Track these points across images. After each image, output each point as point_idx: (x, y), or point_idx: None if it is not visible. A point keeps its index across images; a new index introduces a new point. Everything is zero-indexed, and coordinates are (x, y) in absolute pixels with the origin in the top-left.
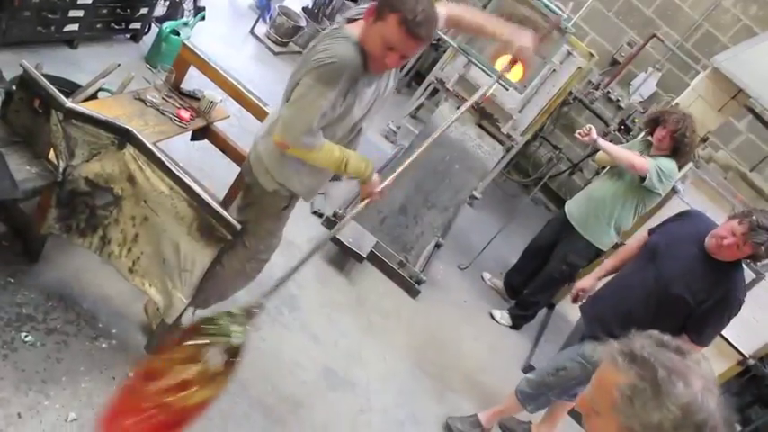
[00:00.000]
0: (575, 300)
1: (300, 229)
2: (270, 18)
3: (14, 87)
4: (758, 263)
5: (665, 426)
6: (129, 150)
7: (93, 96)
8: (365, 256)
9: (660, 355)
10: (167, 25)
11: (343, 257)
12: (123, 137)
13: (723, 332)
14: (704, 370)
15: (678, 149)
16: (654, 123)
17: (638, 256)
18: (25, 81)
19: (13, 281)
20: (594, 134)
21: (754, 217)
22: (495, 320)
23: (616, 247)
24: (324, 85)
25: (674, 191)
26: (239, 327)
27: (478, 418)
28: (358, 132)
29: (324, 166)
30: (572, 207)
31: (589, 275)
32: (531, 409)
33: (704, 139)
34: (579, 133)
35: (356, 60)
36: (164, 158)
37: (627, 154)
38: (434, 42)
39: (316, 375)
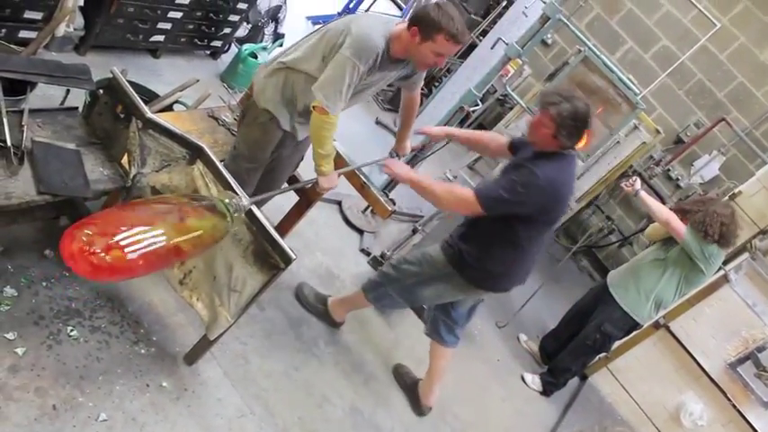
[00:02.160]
0: None
1: (348, 264)
2: None
3: (101, 91)
4: (568, 141)
5: None
6: (199, 166)
7: (169, 108)
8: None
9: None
10: (247, 47)
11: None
12: (195, 153)
13: None
14: None
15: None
16: (681, 213)
17: None
18: (113, 87)
19: (68, 274)
20: (638, 185)
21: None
22: (525, 384)
23: (657, 326)
24: (358, 60)
25: (725, 279)
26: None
27: (327, 299)
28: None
29: (311, 131)
30: (613, 275)
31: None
32: (371, 298)
33: (764, 231)
34: (624, 183)
35: (383, 50)
36: (230, 179)
37: (665, 211)
38: (501, 98)
39: (342, 413)
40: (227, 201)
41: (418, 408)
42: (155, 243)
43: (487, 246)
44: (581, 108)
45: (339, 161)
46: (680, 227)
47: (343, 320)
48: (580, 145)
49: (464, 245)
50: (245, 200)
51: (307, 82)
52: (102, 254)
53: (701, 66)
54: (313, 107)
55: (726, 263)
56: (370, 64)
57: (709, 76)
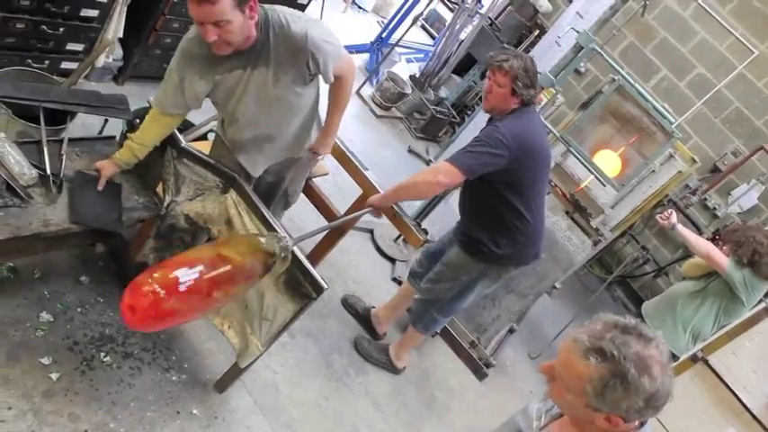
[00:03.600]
0: None
1: (379, 293)
2: (377, 82)
3: (137, 120)
4: (527, 91)
5: (630, 410)
6: (232, 195)
7: (204, 137)
8: (438, 331)
9: (627, 350)
10: None
11: None
12: (228, 182)
13: None
14: (662, 353)
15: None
16: (721, 241)
17: None
18: None
19: (102, 300)
20: (674, 219)
21: None
22: None
23: (695, 359)
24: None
25: (767, 312)
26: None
27: (389, 348)
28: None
29: None
30: (648, 306)
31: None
32: (420, 328)
33: None
34: (660, 216)
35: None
36: (263, 209)
37: (705, 243)
38: None
39: None
40: (277, 247)
41: (375, 334)
42: (208, 308)
43: (496, 224)
44: (527, 59)
45: (373, 192)
46: (721, 259)
47: (405, 366)
48: (539, 97)
49: (478, 235)
50: (289, 240)
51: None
52: (158, 322)
53: (738, 93)
54: None
55: (766, 295)
56: (188, 62)
57: (746, 104)
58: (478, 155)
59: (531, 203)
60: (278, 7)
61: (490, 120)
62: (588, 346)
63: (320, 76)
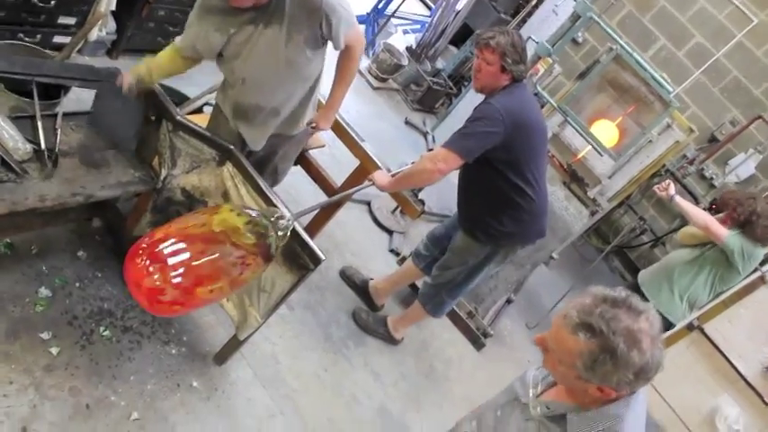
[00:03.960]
0: None
1: (377, 265)
2: (373, 53)
3: None
4: (517, 67)
5: (620, 383)
6: (228, 168)
7: (200, 110)
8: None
9: (616, 324)
10: None
11: (414, 300)
12: (224, 154)
13: None
14: (652, 325)
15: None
16: (715, 210)
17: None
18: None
19: (100, 275)
20: (672, 189)
21: None
22: None
23: (691, 327)
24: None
25: (762, 280)
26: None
27: (387, 319)
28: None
29: None
30: (645, 275)
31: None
32: (429, 309)
33: None
34: (657, 187)
35: None
36: (260, 181)
37: (704, 215)
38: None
39: (372, 414)
40: (275, 223)
41: (373, 305)
42: (207, 299)
43: (499, 204)
44: (515, 35)
45: (370, 164)
46: (719, 230)
47: (403, 337)
48: (536, 67)
49: (481, 218)
50: (288, 215)
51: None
52: (166, 305)
53: (737, 62)
54: None
55: (762, 263)
56: (206, 12)
57: (745, 73)
58: (474, 135)
59: (532, 180)
60: None
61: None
62: (577, 321)
63: (330, 43)
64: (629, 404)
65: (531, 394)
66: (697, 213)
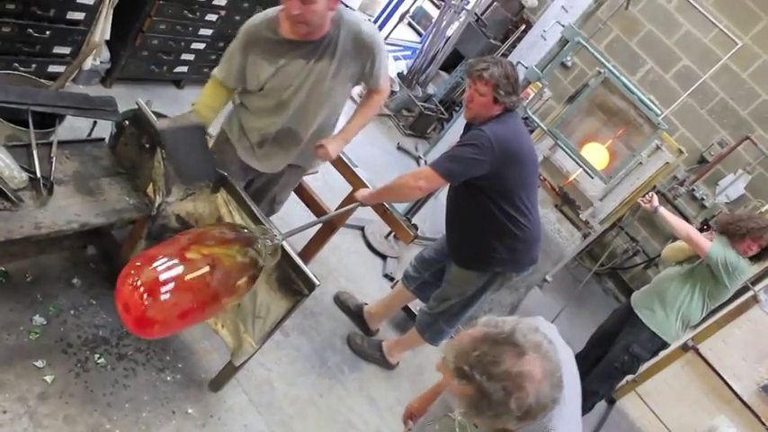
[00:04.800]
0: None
1: (371, 290)
2: None
3: (126, 122)
4: (509, 98)
5: (509, 423)
6: (222, 194)
7: None
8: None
9: (494, 369)
10: None
11: (409, 325)
12: (218, 181)
13: None
14: (543, 357)
15: (761, 256)
16: (737, 237)
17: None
18: (138, 118)
19: (95, 302)
20: (656, 201)
21: None
22: None
23: (686, 348)
24: (237, 41)
25: (755, 300)
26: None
27: (382, 344)
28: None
29: None
30: (637, 297)
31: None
32: (428, 338)
33: None
34: (642, 199)
35: (268, 28)
36: (253, 207)
37: (686, 227)
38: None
39: None
40: (263, 242)
41: (368, 330)
42: (206, 316)
43: (493, 233)
44: (508, 65)
45: (361, 187)
46: (701, 241)
47: (398, 362)
48: (526, 91)
49: (476, 247)
50: (277, 235)
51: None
52: (158, 326)
53: (724, 84)
54: None
55: (755, 283)
56: (253, 44)
57: (731, 95)
58: (461, 160)
59: (524, 209)
60: (349, 10)
61: (468, 126)
62: (453, 366)
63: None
64: (552, 417)
65: (458, 414)
66: (680, 224)
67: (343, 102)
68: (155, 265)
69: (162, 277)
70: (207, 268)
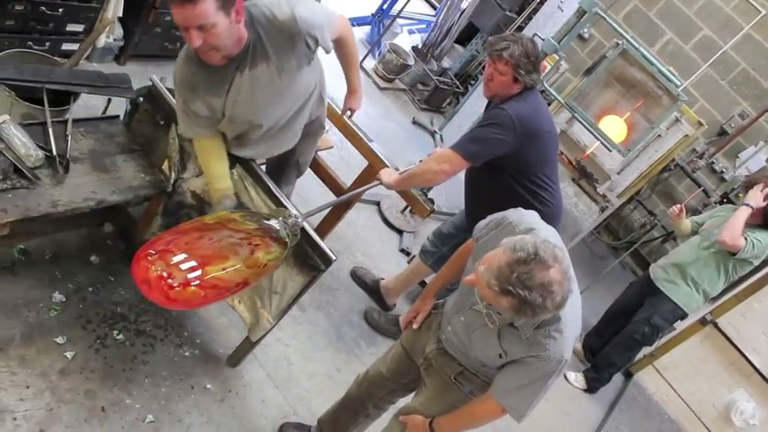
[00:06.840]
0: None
1: (388, 265)
2: (379, 54)
3: (141, 99)
4: (530, 77)
5: (547, 315)
6: (238, 170)
7: None
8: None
9: (531, 282)
10: None
11: None
12: (234, 157)
13: None
14: (561, 263)
15: None
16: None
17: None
18: (152, 95)
19: (113, 279)
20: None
21: None
22: (569, 382)
23: (704, 322)
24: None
25: None
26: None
27: (398, 318)
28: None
29: None
30: (657, 269)
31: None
32: (431, 264)
33: None
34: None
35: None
36: (269, 182)
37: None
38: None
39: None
40: (285, 222)
41: (385, 305)
42: (229, 281)
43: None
44: (528, 43)
45: (378, 165)
46: (735, 240)
47: None
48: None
49: None
50: (299, 216)
51: None
52: (179, 288)
53: (745, 55)
54: None
55: None
56: (193, 89)
57: (753, 65)
58: (483, 140)
59: (546, 184)
60: (253, 2)
61: (489, 104)
62: (498, 289)
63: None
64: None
65: (483, 305)
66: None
67: (314, 77)
68: (177, 261)
69: (190, 276)
70: (214, 237)
